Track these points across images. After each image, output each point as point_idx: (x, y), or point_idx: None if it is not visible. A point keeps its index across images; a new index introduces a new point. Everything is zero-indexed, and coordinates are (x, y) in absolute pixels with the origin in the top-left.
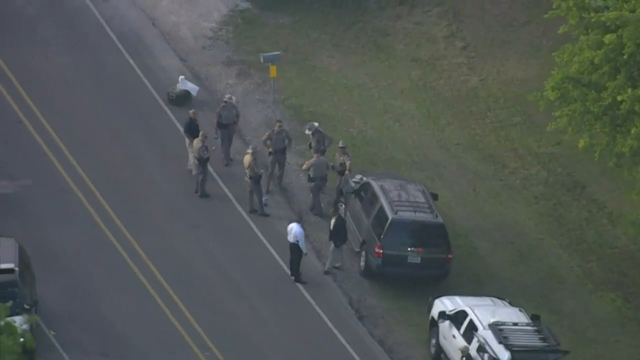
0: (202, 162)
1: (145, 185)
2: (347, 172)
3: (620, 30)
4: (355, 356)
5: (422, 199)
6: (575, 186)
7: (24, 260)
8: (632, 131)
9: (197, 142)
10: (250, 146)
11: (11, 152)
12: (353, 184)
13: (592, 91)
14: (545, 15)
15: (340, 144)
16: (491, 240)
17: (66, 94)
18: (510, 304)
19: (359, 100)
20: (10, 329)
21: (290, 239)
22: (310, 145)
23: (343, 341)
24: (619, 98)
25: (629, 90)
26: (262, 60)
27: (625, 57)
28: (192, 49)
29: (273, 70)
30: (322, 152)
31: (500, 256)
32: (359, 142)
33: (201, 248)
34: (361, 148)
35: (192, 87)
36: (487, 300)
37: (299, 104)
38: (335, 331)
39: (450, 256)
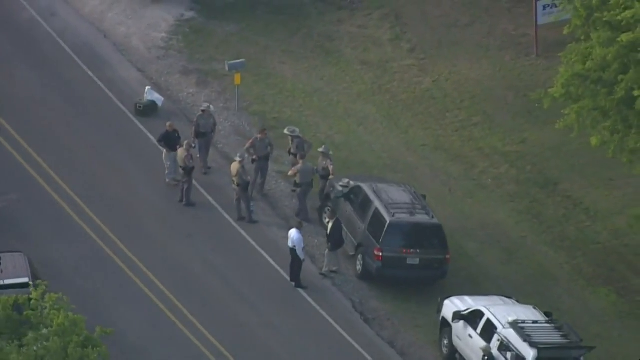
0: (187, 171)
1: (129, 196)
2: (331, 176)
3: (638, 28)
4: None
5: (414, 201)
6: (547, 183)
7: (35, 274)
8: None
9: (181, 152)
10: (238, 154)
11: None
12: (340, 188)
13: (599, 87)
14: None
15: (323, 149)
16: (477, 240)
17: (34, 109)
18: (518, 302)
19: (320, 105)
20: (94, 342)
21: (290, 244)
22: (289, 151)
23: (356, 345)
24: (635, 93)
25: None
26: (227, 68)
27: None
28: (147, 59)
29: (237, 78)
30: (302, 158)
31: (489, 256)
32: (329, 147)
33: (198, 257)
34: (333, 153)
35: (157, 98)
36: (496, 299)
37: (262, 111)
38: (346, 335)
39: (448, 257)
